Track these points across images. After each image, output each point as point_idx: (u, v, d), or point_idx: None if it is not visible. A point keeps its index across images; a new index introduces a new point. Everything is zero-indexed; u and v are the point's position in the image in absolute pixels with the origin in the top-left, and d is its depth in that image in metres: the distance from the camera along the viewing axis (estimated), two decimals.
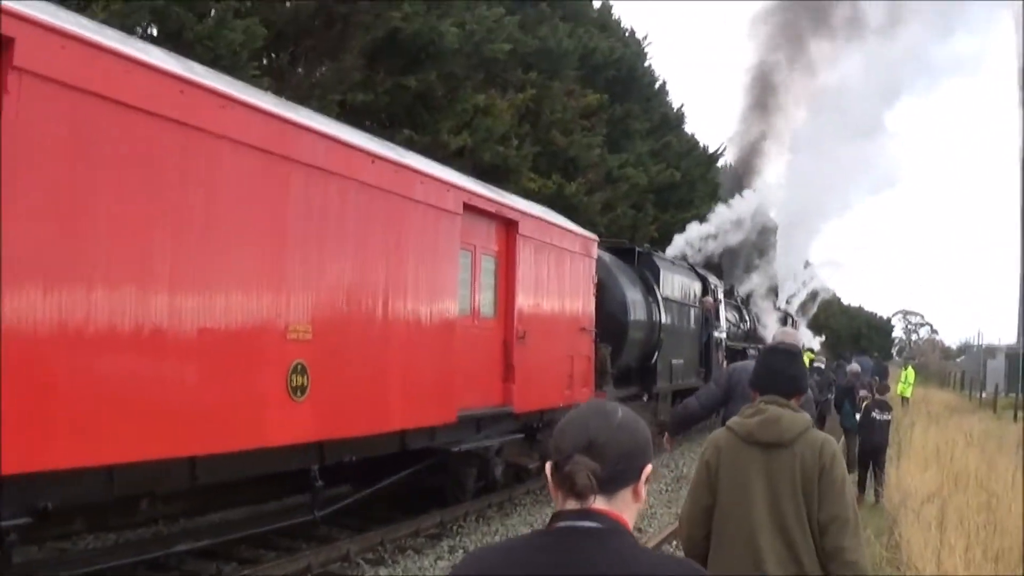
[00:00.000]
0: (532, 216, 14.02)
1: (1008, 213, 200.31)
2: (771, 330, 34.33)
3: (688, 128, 47.00)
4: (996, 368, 50.80)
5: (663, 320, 19.90)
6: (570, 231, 15.58)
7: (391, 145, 11.90)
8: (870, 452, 15.44)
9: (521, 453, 14.75)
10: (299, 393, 8.73)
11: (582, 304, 15.83)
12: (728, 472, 4.22)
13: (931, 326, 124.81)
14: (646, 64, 43.58)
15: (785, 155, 39.32)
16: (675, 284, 21.51)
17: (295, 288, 8.75)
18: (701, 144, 47.60)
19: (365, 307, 9.88)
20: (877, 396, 16.29)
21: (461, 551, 11.19)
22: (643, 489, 2.28)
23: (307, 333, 8.87)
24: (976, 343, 63.34)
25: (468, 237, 12.24)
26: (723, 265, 37.52)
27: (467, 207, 12.01)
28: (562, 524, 2.20)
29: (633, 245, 20.90)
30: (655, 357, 19.81)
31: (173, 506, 10.73)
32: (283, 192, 8.65)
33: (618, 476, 2.22)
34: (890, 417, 16.06)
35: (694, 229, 33.29)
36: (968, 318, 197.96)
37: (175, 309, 7.34)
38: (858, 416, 16.30)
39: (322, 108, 15.52)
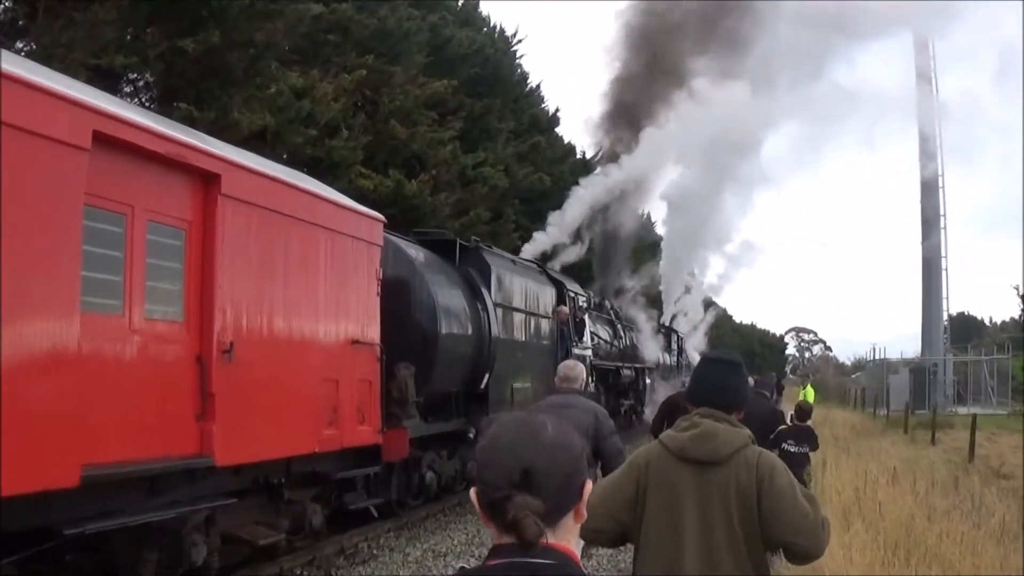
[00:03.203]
0: (250, 171, 9.41)
1: (904, 231, 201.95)
2: (649, 350, 30.34)
3: (568, 136, 43.79)
4: (900, 384, 47.62)
5: (495, 332, 15.27)
6: (331, 201, 11.05)
7: None
8: None
9: (260, 519, 10.13)
10: None
11: (357, 308, 11.25)
12: (656, 490, 3.85)
13: (824, 343, 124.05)
14: (516, 63, 39.98)
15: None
16: (515, 288, 16.98)
17: None
18: (579, 151, 44.05)
19: None
20: (795, 422, 12.89)
21: None
22: (584, 508, 2.05)
23: None
24: (870, 358, 60.43)
25: (114, 191, 7.81)
26: (596, 273, 33.23)
27: (104, 139, 7.49)
28: (506, 560, 1.94)
29: (454, 237, 16.24)
30: (486, 380, 15.21)
31: None
32: None
33: (560, 504, 1.98)
34: (807, 449, 12.18)
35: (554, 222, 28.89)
36: (860, 335, 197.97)
37: None
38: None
39: (66, 70, 11.52)
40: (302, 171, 14.46)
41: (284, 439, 9.83)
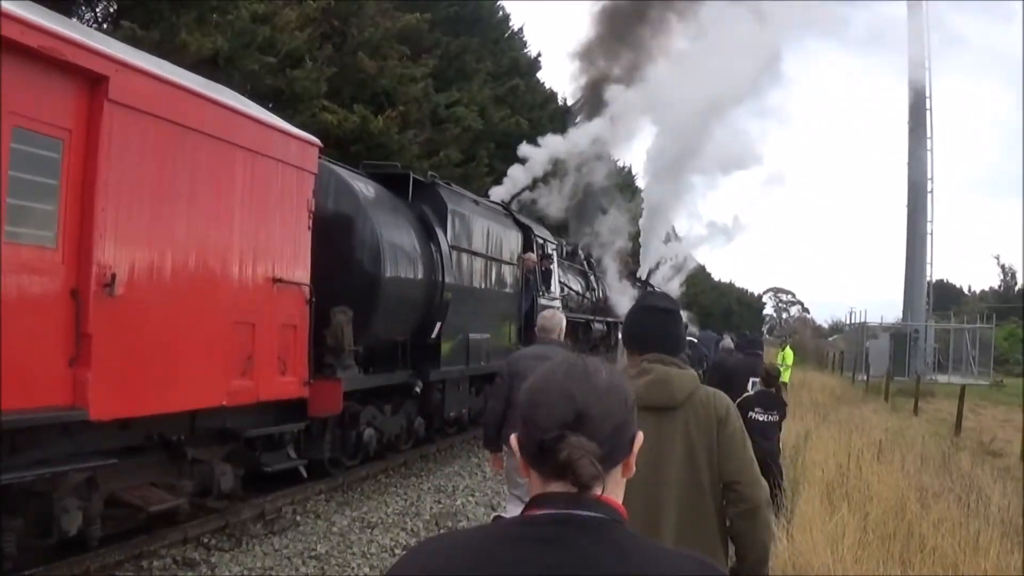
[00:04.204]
0: (147, 74, 7.97)
1: (888, 195, 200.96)
2: (622, 304, 29.07)
3: (550, 83, 42.59)
4: (879, 349, 46.64)
5: (450, 278, 13.90)
6: (253, 118, 9.64)
7: None
8: None
9: (158, 480, 8.90)
10: None
11: (281, 243, 9.89)
12: None
13: (802, 304, 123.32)
14: (497, 4, 38.87)
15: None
16: (476, 231, 15.59)
17: None
18: (560, 97, 42.82)
19: None
20: (760, 387, 11.39)
21: None
22: (633, 461, 1.91)
23: None
24: (848, 322, 59.48)
25: None
26: (570, 223, 31.86)
27: None
28: (551, 512, 1.78)
29: (407, 171, 14.76)
30: (437, 329, 13.86)
31: None
32: None
33: (612, 453, 1.84)
34: (777, 417, 10.83)
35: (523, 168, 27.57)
36: (838, 297, 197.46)
37: None
38: None
39: None
40: (265, 105, 13.15)
41: (183, 390, 8.53)
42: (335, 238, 11.90)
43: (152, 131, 8.03)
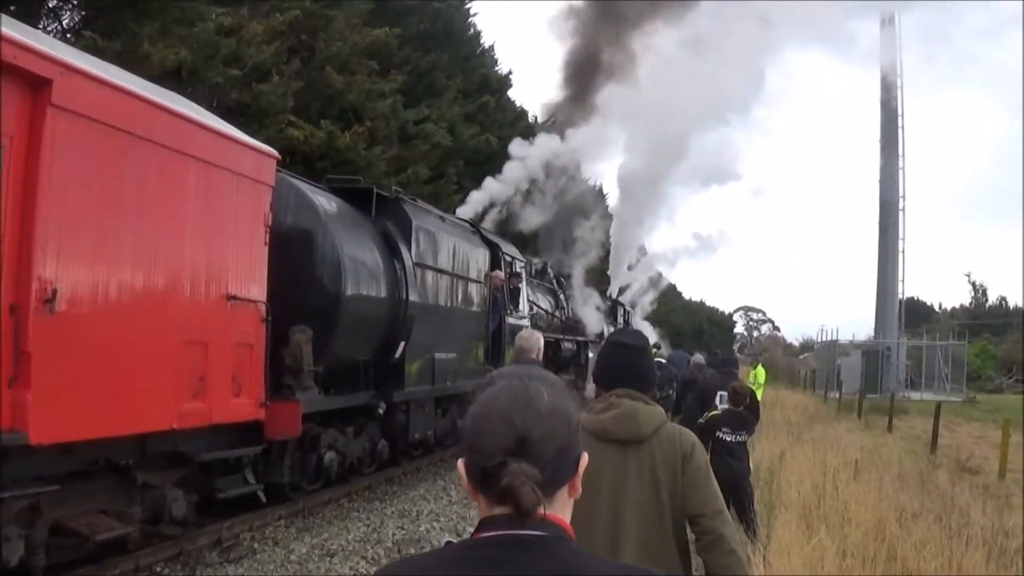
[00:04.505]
0: (94, 79, 7.62)
1: (858, 213, 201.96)
2: (592, 323, 28.80)
3: (521, 101, 42.47)
4: (851, 366, 46.57)
5: (414, 296, 13.58)
6: (207, 127, 9.27)
7: None
8: (724, 490, 9.41)
9: (107, 507, 8.52)
10: None
11: (236, 258, 9.55)
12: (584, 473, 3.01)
13: (773, 323, 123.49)
14: (468, 21, 38.70)
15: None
16: (442, 247, 15.26)
17: None
18: (531, 115, 42.63)
19: None
20: (727, 405, 11.08)
21: None
22: (579, 482, 1.94)
23: None
24: (819, 340, 59.52)
25: None
26: (540, 240, 31.58)
27: None
28: (497, 533, 1.81)
29: (371, 185, 14.43)
30: (401, 349, 13.50)
31: None
32: None
33: (556, 476, 1.87)
34: (746, 436, 10.43)
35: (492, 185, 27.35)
36: (808, 316, 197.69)
37: None
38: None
39: None
40: (231, 120, 12.72)
41: (131, 413, 8.16)
42: (294, 254, 11.56)
43: (98, 138, 7.67)
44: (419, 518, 12.26)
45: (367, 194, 14.04)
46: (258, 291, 10.01)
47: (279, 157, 10.59)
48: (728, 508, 9.35)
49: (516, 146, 29.32)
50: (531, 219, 29.60)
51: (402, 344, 13.69)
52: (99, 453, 8.18)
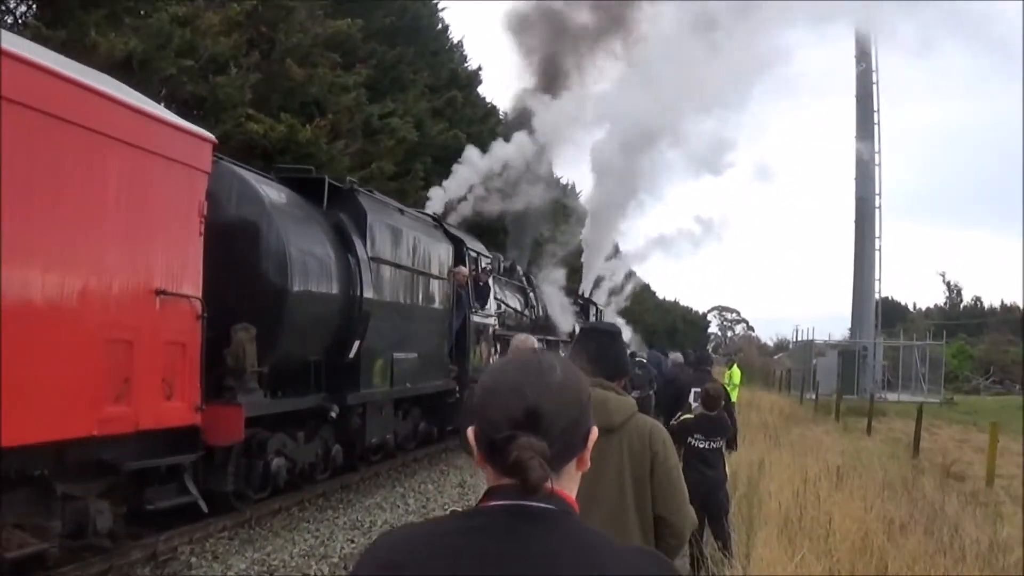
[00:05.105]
0: None
1: (831, 210, 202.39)
2: (563, 322, 28.19)
3: (491, 97, 41.88)
4: (827, 367, 46.12)
5: (369, 292, 12.86)
6: (130, 107, 8.47)
7: None
8: (698, 501, 8.66)
9: (23, 521, 7.82)
10: None
11: (165, 250, 8.80)
12: None
13: (747, 323, 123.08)
14: (436, 16, 38.18)
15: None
16: (400, 242, 14.56)
17: None
18: (502, 112, 41.98)
19: None
20: (701, 410, 9.85)
21: None
22: (588, 456, 1.93)
23: None
24: (794, 339, 59.09)
25: None
26: (511, 236, 30.92)
27: None
28: (504, 503, 1.81)
29: (322, 176, 13.63)
30: (356, 349, 12.78)
31: None
32: None
33: (565, 450, 1.85)
34: (721, 443, 9.61)
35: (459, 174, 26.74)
36: (782, 315, 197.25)
37: None
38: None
39: None
40: (187, 114, 11.99)
41: (43, 418, 7.43)
42: (237, 247, 10.86)
43: (6, 117, 6.93)
44: (372, 530, 11.50)
45: (319, 185, 13.28)
46: (192, 286, 9.28)
47: (215, 141, 9.86)
48: (702, 524, 8.72)
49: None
50: (498, 205, 28.79)
51: (357, 343, 12.97)
52: (9, 462, 7.44)
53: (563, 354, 27.10)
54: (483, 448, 1.84)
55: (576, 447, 1.87)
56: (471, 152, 28.29)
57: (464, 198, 27.47)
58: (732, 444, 11.23)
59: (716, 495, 9.13)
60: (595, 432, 1.92)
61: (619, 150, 32.07)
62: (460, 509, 1.98)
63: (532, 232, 32.17)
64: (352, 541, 10.91)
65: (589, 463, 1.92)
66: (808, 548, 7.54)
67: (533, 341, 8.38)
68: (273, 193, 11.74)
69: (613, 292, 41.31)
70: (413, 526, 1.93)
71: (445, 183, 27.04)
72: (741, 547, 8.46)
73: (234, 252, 10.80)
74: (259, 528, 11.26)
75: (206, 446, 10.07)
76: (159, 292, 8.71)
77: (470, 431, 1.88)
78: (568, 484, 1.88)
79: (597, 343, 4.22)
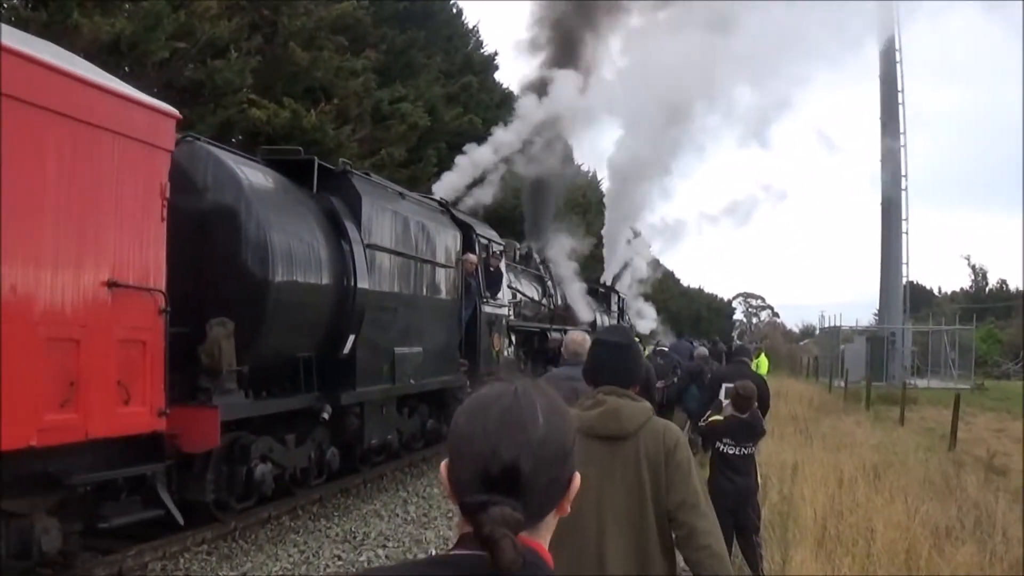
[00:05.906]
0: None
1: (856, 194, 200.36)
2: (584, 311, 27.19)
3: (508, 83, 40.96)
4: (855, 353, 44.93)
5: (363, 283, 11.90)
6: (76, 78, 7.50)
7: None
8: (726, 513, 7.67)
9: None
10: None
11: (120, 237, 7.83)
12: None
13: (772, 309, 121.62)
14: (451, 1, 37.31)
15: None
16: (400, 228, 13.57)
17: None
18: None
19: None
20: (733, 412, 8.76)
21: None
22: (568, 503, 1.79)
23: None
24: (820, 326, 57.99)
25: None
26: (526, 225, 29.87)
27: None
28: (472, 553, 1.65)
29: (311, 157, 12.56)
30: (351, 343, 11.81)
31: None
32: None
33: (544, 505, 1.73)
34: (753, 449, 8.65)
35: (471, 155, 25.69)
36: (807, 301, 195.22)
37: None
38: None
39: None
40: (188, 102, 11.06)
41: None
42: (213, 235, 9.93)
43: None
44: (363, 543, 10.48)
45: (307, 166, 12.23)
46: (153, 276, 8.30)
47: (179, 116, 8.84)
48: (730, 541, 7.73)
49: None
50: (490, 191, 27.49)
51: (351, 338, 11.97)
52: None
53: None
54: (455, 496, 1.71)
55: (555, 500, 1.75)
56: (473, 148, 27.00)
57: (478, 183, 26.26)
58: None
59: (744, 508, 8.11)
60: (578, 479, 1.79)
61: (656, 112, 30.87)
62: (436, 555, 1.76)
63: (548, 214, 30.90)
64: (339, 557, 9.86)
65: (569, 509, 1.79)
66: (848, 566, 6.55)
67: (586, 339, 7.50)
68: (253, 175, 10.72)
69: (640, 280, 40.21)
70: (388, 569, 1.82)
71: (445, 175, 25.78)
72: (774, 565, 7.43)
73: (210, 240, 9.88)
74: (242, 541, 10.31)
75: (180, 453, 9.17)
76: (111, 284, 7.72)
77: (443, 466, 1.77)
78: (544, 533, 1.76)
79: (609, 353, 4.25)
